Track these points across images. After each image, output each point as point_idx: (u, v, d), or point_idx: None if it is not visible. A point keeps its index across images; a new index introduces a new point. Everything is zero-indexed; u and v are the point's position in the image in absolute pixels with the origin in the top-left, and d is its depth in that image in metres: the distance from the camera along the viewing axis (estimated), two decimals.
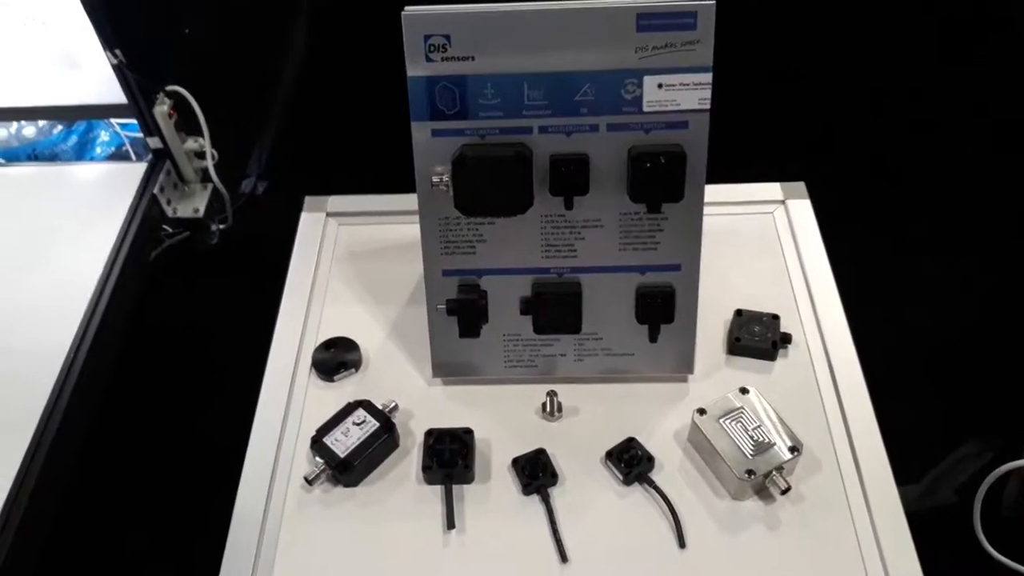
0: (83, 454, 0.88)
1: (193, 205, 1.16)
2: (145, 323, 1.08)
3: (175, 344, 1.16)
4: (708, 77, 0.70)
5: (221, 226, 1.21)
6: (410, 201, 0.76)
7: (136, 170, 1.12)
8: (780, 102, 1.22)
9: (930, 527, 0.93)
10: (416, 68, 0.70)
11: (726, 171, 0.91)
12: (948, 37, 1.17)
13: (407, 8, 0.68)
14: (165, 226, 1.16)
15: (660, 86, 0.70)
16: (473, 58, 0.69)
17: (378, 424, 0.77)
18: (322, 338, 0.87)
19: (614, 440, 0.77)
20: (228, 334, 1.14)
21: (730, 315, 0.86)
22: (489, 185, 0.73)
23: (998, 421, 1.08)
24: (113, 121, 1.26)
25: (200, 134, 1.13)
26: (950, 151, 1.25)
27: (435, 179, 0.73)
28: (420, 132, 0.72)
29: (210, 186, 1.17)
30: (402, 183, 0.74)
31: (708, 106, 0.71)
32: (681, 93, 0.70)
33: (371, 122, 1.15)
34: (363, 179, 1.04)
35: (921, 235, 1.24)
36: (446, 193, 0.73)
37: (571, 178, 0.73)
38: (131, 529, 1.01)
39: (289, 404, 0.82)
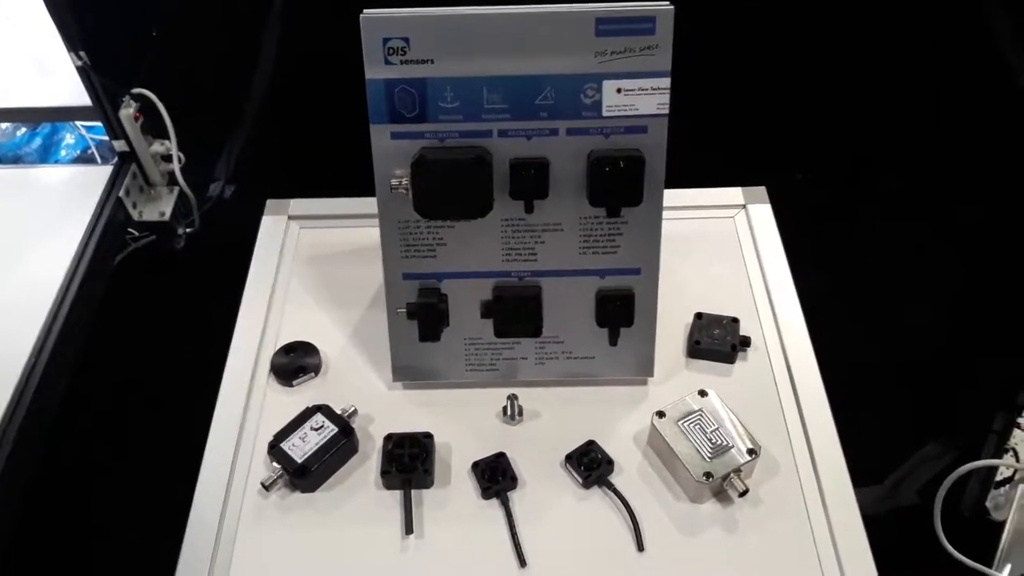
0: (44, 458, 0.87)
1: (159, 208, 1.15)
2: (109, 327, 1.07)
3: (139, 348, 1.14)
4: (666, 82, 0.70)
5: (187, 230, 1.19)
6: (372, 204, 0.75)
7: (101, 173, 1.11)
8: (743, 107, 1.23)
9: (892, 528, 0.94)
10: (375, 71, 0.69)
11: (689, 176, 0.92)
12: (912, 39, 1.18)
13: (366, 11, 0.68)
14: (131, 229, 1.15)
15: (619, 91, 0.70)
16: (432, 61, 0.69)
17: (336, 429, 0.77)
18: (282, 342, 0.86)
19: (574, 443, 0.77)
20: (193, 338, 1.13)
21: (690, 318, 0.86)
22: (449, 188, 0.73)
23: (959, 423, 1.10)
24: (78, 124, 1.25)
25: (166, 137, 1.12)
26: (913, 157, 1.26)
27: (394, 182, 0.73)
28: (379, 135, 0.72)
29: (176, 189, 1.16)
30: (370, 186, 0.74)
31: (666, 111, 0.71)
32: (640, 98, 0.71)
33: (340, 126, 1.15)
34: (331, 183, 1.03)
35: (883, 240, 1.25)
36: (405, 196, 0.73)
37: (531, 182, 0.73)
38: (90, 532, 1.00)
39: (247, 409, 0.82)
